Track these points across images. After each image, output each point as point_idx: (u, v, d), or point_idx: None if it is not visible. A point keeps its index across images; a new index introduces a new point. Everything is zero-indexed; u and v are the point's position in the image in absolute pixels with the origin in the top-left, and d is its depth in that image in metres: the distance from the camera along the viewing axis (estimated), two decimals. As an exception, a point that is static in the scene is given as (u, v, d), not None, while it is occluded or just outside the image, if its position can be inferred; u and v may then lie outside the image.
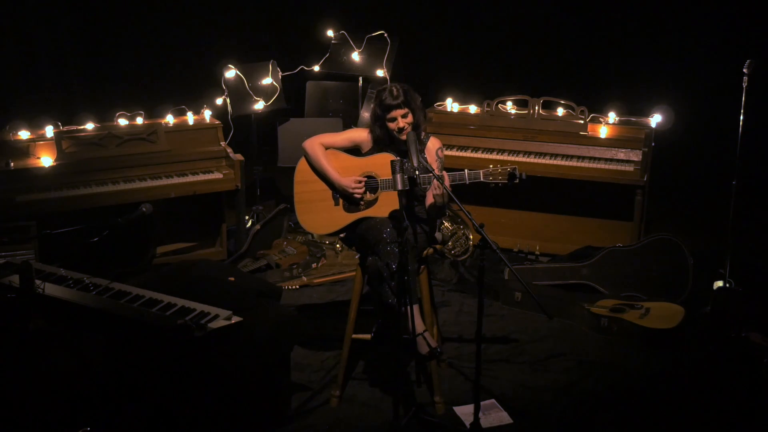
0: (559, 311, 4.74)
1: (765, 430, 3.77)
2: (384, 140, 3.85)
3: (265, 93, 5.97)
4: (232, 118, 5.78)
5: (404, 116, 3.74)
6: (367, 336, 3.89)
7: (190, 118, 5.55)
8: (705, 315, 4.59)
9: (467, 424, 3.65)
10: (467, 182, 3.56)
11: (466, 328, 4.64)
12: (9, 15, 6.28)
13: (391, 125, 3.77)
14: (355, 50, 6.13)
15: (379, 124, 3.82)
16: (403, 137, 3.76)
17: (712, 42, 6.70)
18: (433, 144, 3.88)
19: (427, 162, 3.58)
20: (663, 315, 4.51)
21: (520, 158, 5.56)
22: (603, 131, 5.50)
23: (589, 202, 5.58)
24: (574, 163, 5.47)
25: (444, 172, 3.67)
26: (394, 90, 3.75)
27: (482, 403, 3.73)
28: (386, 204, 3.78)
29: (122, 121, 5.37)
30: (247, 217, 5.84)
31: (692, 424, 3.75)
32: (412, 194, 3.73)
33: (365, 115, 6.07)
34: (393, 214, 3.72)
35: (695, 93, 6.60)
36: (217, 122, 5.58)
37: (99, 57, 6.89)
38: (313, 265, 5.42)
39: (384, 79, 6.01)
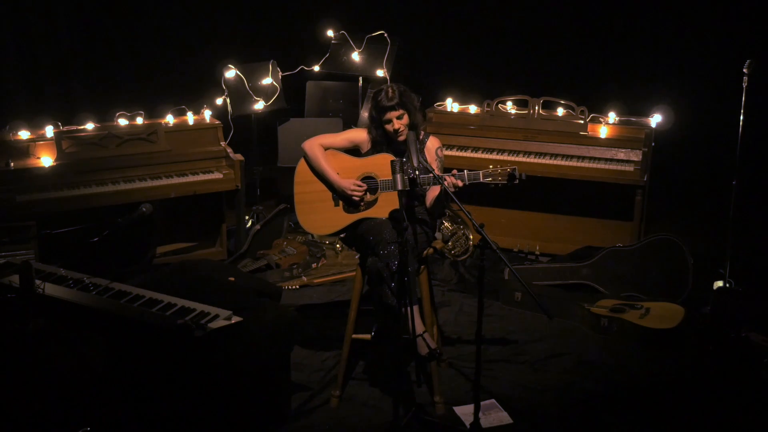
0: (559, 311, 4.74)
1: (765, 430, 3.77)
2: (382, 141, 3.85)
3: (265, 93, 5.97)
4: (232, 118, 5.78)
5: (399, 117, 3.74)
6: (367, 336, 3.89)
7: (190, 118, 5.55)
8: (705, 315, 4.59)
9: (467, 424, 3.65)
10: (467, 183, 3.56)
11: (466, 328, 4.64)
12: (9, 15, 6.28)
13: (387, 127, 3.77)
14: (355, 50, 6.13)
15: (375, 125, 3.83)
16: (401, 139, 3.76)
17: (712, 42, 6.69)
18: (432, 143, 3.88)
19: (427, 162, 3.58)
20: (663, 315, 4.51)
21: (520, 158, 5.56)
22: (603, 131, 5.50)
23: (589, 202, 5.58)
24: (574, 163, 5.47)
25: (455, 170, 3.64)
26: (390, 91, 3.75)
27: (482, 403, 3.73)
28: (386, 204, 3.78)
29: (122, 121, 5.37)
30: (247, 217, 5.84)
31: (692, 424, 3.75)
32: (411, 194, 3.73)
33: (365, 115, 6.07)
34: (393, 215, 3.72)
35: (695, 93, 6.59)
36: (217, 122, 5.58)
37: (99, 57, 6.89)
38: (313, 265, 5.42)
39: (384, 79, 6.00)
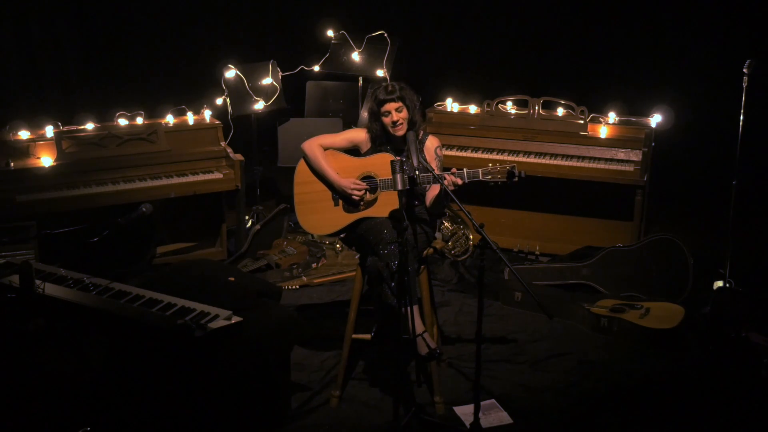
0: (559, 311, 4.74)
1: (765, 430, 3.77)
2: (382, 138, 3.85)
3: (265, 93, 5.97)
4: (232, 118, 5.77)
5: (398, 110, 3.75)
6: (367, 336, 3.89)
7: (190, 118, 5.55)
8: (705, 315, 4.59)
9: (467, 424, 3.65)
10: (466, 181, 3.56)
11: (466, 328, 4.64)
12: (9, 15, 6.28)
13: (386, 119, 3.77)
14: (355, 50, 6.13)
15: (374, 119, 3.83)
16: (398, 133, 3.76)
17: (712, 42, 6.69)
18: (431, 143, 3.88)
19: (426, 161, 3.58)
20: (663, 315, 4.51)
21: (520, 158, 5.55)
22: (603, 131, 5.50)
23: (589, 202, 5.58)
24: (574, 163, 5.47)
25: (455, 169, 3.64)
26: (389, 86, 3.78)
27: (482, 403, 3.73)
28: (386, 204, 3.78)
29: (122, 121, 5.37)
30: (247, 217, 5.84)
31: (692, 424, 3.75)
32: (411, 194, 3.73)
33: (365, 115, 6.06)
34: (393, 214, 3.72)
35: (695, 93, 6.59)
36: (217, 122, 5.58)
37: (99, 57, 6.89)
38: (313, 265, 5.42)
39: (384, 79, 6.00)
